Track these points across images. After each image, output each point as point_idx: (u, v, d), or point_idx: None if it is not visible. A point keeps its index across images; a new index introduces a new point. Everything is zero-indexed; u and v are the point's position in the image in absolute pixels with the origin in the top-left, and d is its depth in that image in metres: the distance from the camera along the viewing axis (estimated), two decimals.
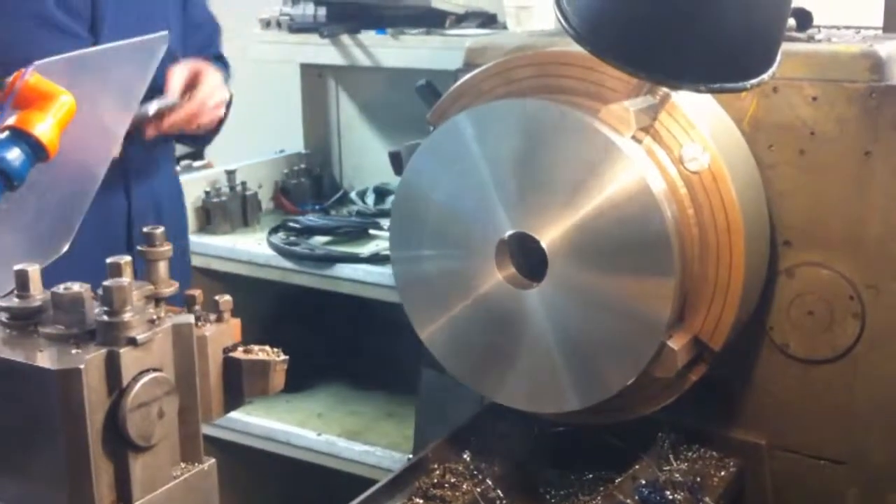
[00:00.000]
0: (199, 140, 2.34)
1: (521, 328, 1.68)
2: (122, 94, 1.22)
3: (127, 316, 0.96)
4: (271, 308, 3.29)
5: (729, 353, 1.71)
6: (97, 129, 1.19)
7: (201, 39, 2.24)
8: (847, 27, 2.10)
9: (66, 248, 1.18)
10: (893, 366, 1.74)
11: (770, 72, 1.56)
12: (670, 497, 1.67)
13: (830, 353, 1.78)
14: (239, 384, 1.10)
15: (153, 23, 1.86)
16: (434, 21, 2.99)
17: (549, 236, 1.62)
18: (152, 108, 1.92)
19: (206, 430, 1.07)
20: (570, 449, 1.89)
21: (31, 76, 1.03)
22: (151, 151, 2.16)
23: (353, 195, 3.35)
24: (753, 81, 1.53)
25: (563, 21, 1.54)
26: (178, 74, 1.99)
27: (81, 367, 0.92)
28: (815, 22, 1.93)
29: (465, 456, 1.83)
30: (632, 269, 1.60)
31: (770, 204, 1.77)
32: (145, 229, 1.07)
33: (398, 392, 3.15)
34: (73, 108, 1.04)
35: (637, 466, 1.75)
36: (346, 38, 3.06)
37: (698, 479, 1.74)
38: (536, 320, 1.67)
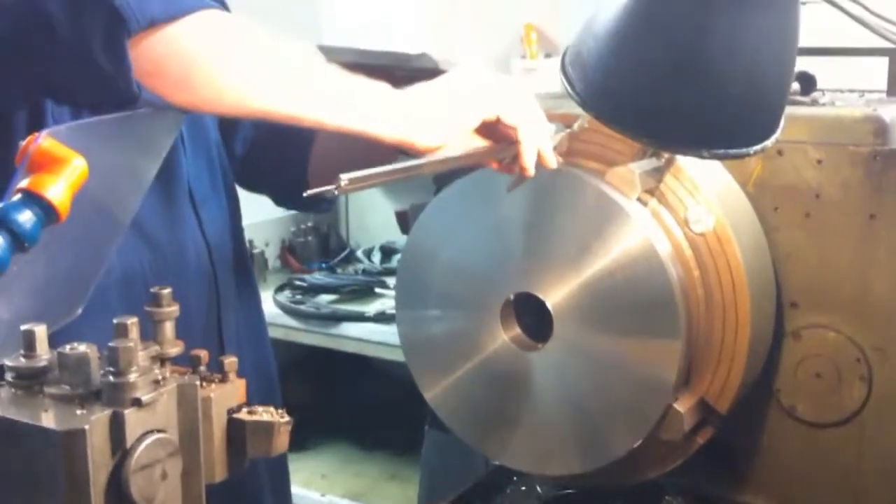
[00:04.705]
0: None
1: (527, 390, 1.68)
2: (137, 162, 1.24)
3: (132, 377, 0.96)
4: (276, 366, 3.28)
5: (736, 416, 1.70)
6: (111, 194, 1.21)
7: None
8: (851, 90, 2.12)
9: (78, 312, 1.19)
10: None
11: (773, 138, 1.57)
12: None
13: (838, 416, 1.76)
14: (242, 445, 1.09)
15: None
16: None
17: (554, 297, 1.63)
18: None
19: None
20: None
21: (45, 140, 1.04)
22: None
23: (359, 253, 3.36)
24: (756, 148, 1.55)
25: (567, 87, 1.56)
26: None
27: (86, 427, 0.92)
28: (819, 85, 1.95)
29: None
30: (637, 330, 1.59)
31: (776, 266, 1.77)
32: (153, 290, 1.08)
33: (402, 453, 3.13)
34: (86, 172, 1.04)
35: None
36: None
37: None
38: (542, 382, 1.66)
